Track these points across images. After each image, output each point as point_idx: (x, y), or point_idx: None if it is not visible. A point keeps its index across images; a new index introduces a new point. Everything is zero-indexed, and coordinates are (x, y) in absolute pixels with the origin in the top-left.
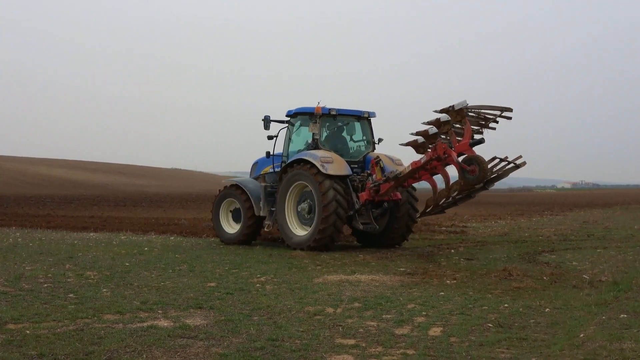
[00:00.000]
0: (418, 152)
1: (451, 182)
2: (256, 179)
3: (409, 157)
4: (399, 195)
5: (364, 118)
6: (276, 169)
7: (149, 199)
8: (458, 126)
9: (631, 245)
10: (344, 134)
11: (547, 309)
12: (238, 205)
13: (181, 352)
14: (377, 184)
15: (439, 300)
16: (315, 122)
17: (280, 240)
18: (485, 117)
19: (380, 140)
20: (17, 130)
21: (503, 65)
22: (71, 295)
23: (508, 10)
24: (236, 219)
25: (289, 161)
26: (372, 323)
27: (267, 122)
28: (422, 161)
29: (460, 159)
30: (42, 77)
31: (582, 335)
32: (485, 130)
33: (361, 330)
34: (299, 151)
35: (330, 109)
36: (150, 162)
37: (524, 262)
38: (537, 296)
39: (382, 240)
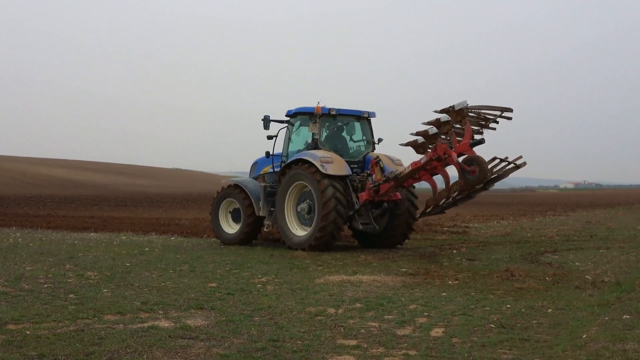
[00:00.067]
0: (418, 152)
1: (451, 182)
2: (255, 179)
3: (409, 158)
4: (398, 195)
5: (363, 118)
6: (276, 169)
7: (149, 199)
8: (458, 126)
9: (634, 245)
10: (344, 134)
11: (550, 310)
12: (237, 206)
13: (182, 352)
14: (376, 184)
15: (441, 300)
16: (315, 122)
17: (282, 242)
18: (485, 117)
19: (380, 140)
20: (17, 130)
21: (503, 65)
22: (72, 295)
23: (508, 10)
24: (235, 219)
25: (288, 161)
26: (374, 324)
27: (266, 121)
28: (422, 161)
29: (461, 159)
30: (42, 77)
31: (584, 336)
32: (485, 131)
33: (363, 330)
34: (299, 151)
35: (330, 109)
36: (150, 162)
37: (527, 262)
38: (539, 297)
39: (382, 240)
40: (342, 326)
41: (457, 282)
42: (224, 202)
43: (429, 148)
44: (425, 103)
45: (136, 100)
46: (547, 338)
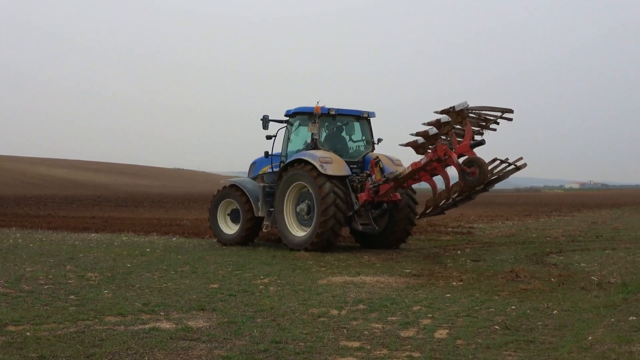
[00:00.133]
0: (418, 152)
1: (451, 183)
2: (254, 179)
3: (408, 158)
4: (398, 196)
5: (363, 118)
6: (275, 169)
7: (150, 199)
8: (458, 127)
9: None
10: (343, 134)
11: (555, 311)
12: (236, 206)
13: (183, 354)
14: (376, 184)
15: (445, 302)
16: (315, 122)
17: (283, 244)
18: (485, 118)
19: (379, 140)
20: (17, 130)
21: (503, 65)
22: (72, 296)
23: (508, 10)
24: (234, 219)
25: (287, 161)
26: (377, 325)
27: (265, 121)
28: (422, 162)
29: (461, 160)
30: (42, 77)
31: (590, 337)
32: (485, 132)
33: (366, 332)
34: (298, 151)
35: (329, 109)
36: (152, 162)
37: (532, 263)
38: (544, 298)
39: (381, 241)
40: (345, 328)
41: (461, 283)
42: (222, 202)
43: (429, 149)
44: (425, 103)
45: (136, 100)
46: (553, 340)
